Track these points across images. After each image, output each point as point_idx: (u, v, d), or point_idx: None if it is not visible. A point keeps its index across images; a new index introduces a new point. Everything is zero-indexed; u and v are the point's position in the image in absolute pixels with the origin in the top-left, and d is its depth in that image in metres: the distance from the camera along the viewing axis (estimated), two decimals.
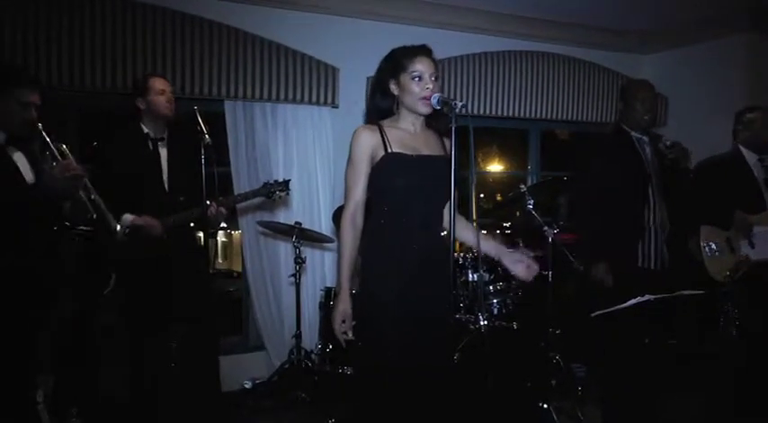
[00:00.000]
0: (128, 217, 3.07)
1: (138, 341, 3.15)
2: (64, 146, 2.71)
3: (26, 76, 2.71)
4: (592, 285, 3.18)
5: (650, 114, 3.24)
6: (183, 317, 3.25)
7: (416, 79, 2.26)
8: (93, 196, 2.74)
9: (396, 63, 2.30)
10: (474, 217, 4.86)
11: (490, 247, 2.45)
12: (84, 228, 2.97)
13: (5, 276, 2.56)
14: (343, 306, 2.25)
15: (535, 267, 2.35)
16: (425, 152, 2.33)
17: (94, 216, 2.74)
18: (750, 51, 4.87)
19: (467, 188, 2.66)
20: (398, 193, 2.28)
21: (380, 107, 2.37)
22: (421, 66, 2.26)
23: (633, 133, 3.25)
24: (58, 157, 2.66)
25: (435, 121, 2.38)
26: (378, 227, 2.32)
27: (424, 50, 2.31)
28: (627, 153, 3.23)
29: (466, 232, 2.49)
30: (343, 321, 2.24)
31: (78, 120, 3.90)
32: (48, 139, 2.65)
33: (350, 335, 2.25)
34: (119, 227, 2.88)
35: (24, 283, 2.60)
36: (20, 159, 2.66)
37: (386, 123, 2.35)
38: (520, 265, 2.35)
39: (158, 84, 3.19)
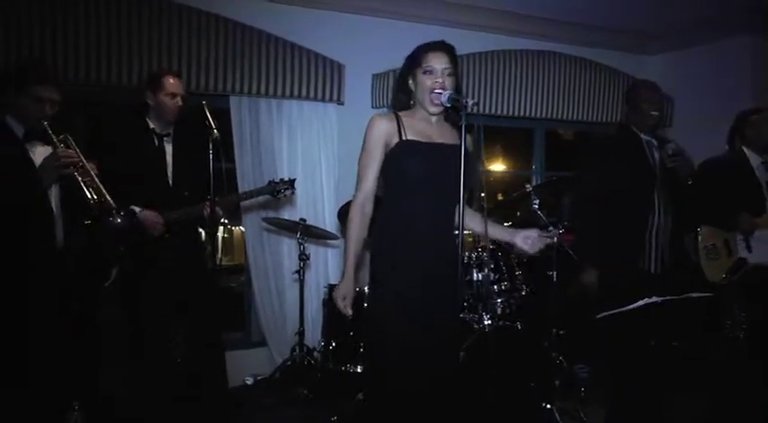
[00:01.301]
0: (134, 209, 3.07)
1: (139, 336, 3.14)
2: (69, 137, 2.73)
3: (42, 72, 2.75)
4: (581, 289, 3.18)
5: (656, 115, 3.22)
6: (186, 312, 3.25)
7: (428, 73, 2.27)
8: (94, 183, 2.73)
9: (413, 59, 2.33)
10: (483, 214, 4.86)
11: (501, 233, 2.47)
12: (87, 221, 2.96)
13: (17, 268, 2.60)
14: (346, 288, 2.24)
15: (541, 241, 2.38)
16: (440, 141, 2.33)
17: (94, 196, 2.72)
18: (755, 52, 4.86)
19: (477, 183, 2.64)
20: (410, 180, 2.28)
21: (401, 102, 2.40)
22: (433, 60, 2.28)
23: (642, 135, 3.22)
24: (59, 147, 2.69)
25: (450, 114, 2.39)
26: (388, 218, 2.31)
27: (438, 45, 2.32)
28: (634, 154, 3.19)
29: (474, 223, 2.49)
30: (344, 298, 2.24)
31: (85, 114, 3.89)
32: (49, 130, 2.68)
33: (350, 312, 2.24)
34: (118, 217, 2.80)
35: (37, 275, 2.64)
36: (45, 153, 2.70)
37: (403, 114, 2.36)
38: (528, 240, 2.38)
39: (172, 85, 3.12)
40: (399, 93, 2.40)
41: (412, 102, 2.38)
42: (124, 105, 3.51)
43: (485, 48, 4.78)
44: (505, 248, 3.75)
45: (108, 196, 2.74)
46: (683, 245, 3.48)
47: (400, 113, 2.35)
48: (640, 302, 2.54)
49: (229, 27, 3.93)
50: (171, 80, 3.14)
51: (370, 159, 2.29)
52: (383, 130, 2.28)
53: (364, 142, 2.31)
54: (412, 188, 2.29)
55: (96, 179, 2.73)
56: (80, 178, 2.70)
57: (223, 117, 4.00)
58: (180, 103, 3.16)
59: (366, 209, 2.29)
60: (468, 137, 2.27)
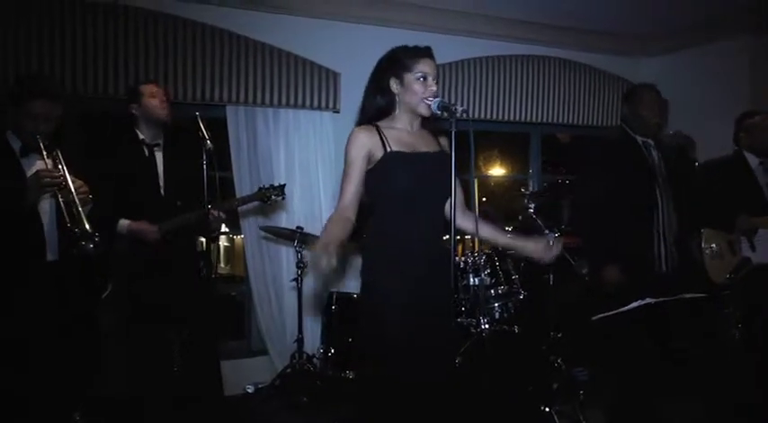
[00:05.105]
0: (124, 222, 3.09)
1: (137, 344, 3.16)
2: (60, 154, 2.70)
3: (38, 87, 2.73)
4: (605, 288, 3.15)
5: (657, 118, 3.20)
6: (183, 321, 3.26)
7: (421, 80, 2.26)
8: (73, 207, 2.67)
9: (399, 62, 2.30)
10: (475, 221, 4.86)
11: (507, 241, 2.49)
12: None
13: (12, 279, 2.63)
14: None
15: (555, 248, 2.37)
16: (424, 149, 2.32)
17: (75, 219, 2.66)
18: (752, 54, 4.86)
19: (467, 191, 2.65)
20: (400, 192, 2.27)
21: (378, 105, 2.34)
22: (426, 67, 2.27)
23: (638, 137, 3.23)
24: (48, 165, 2.67)
25: (431, 122, 2.38)
26: (380, 229, 2.31)
27: (428, 52, 2.32)
28: (633, 157, 3.18)
29: (482, 228, 2.46)
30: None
31: (78, 126, 3.91)
32: (41, 146, 2.67)
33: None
34: (91, 244, 2.67)
35: (25, 287, 2.66)
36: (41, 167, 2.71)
37: (383, 124, 2.33)
38: (540, 249, 2.38)
39: (149, 88, 3.21)
40: (378, 96, 2.34)
41: (393, 107, 2.33)
42: (119, 116, 3.54)
43: (481, 53, 4.81)
44: (503, 253, 3.77)
45: (86, 221, 2.65)
46: (688, 245, 3.48)
47: (379, 124, 2.32)
48: (634, 304, 2.54)
49: (225, 37, 3.96)
50: (147, 84, 3.25)
51: (352, 172, 2.25)
52: (365, 144, 2.25)
53: (346, 155, 2.27)
54: (401, 199, 2.27)
55: (77, 200, 2.65)
56: (61, 199, 2.67)
57: (220, 126, 4.02)
58: (164, 100, 3.19)
59: (347, 214, 2.24)
60: (445, 140, 2.27)
